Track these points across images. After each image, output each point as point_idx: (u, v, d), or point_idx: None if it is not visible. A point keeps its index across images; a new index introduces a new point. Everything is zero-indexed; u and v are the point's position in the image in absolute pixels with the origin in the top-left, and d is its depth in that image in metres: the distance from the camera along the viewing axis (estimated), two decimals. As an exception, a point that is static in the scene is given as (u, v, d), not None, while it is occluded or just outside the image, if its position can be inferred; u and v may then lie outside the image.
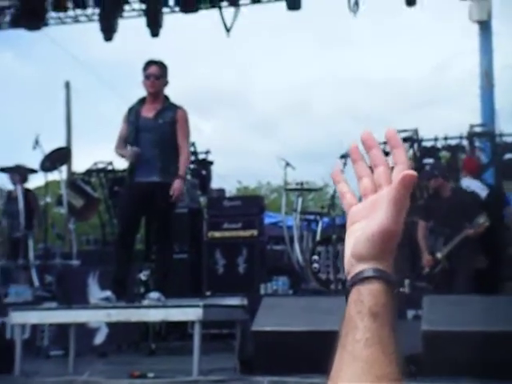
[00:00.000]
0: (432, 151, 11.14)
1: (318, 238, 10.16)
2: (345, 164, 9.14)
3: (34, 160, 10.70)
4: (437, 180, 8.25)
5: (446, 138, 11.15)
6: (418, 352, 6.16)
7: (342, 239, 8.60)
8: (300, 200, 10.59)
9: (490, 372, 5.58)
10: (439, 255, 8.08)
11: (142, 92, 7.52)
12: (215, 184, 12.72)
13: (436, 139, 11.17)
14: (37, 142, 10.37)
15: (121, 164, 13.03)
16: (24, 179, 10.55)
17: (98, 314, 7.37)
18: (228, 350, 8.36)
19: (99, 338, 8.56)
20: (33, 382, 6.33)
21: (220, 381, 6.21)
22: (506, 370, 5.49)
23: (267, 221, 13.02)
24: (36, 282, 9.73)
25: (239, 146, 50.99)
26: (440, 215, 8.08)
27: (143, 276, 9.13)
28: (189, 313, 6.96)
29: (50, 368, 7.35)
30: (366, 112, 46.80)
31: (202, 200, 11.47)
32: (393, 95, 49.63)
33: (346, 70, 51.94)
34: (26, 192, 10.61)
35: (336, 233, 8.56)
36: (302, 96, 53.38)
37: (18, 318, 7.15)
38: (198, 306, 6.98)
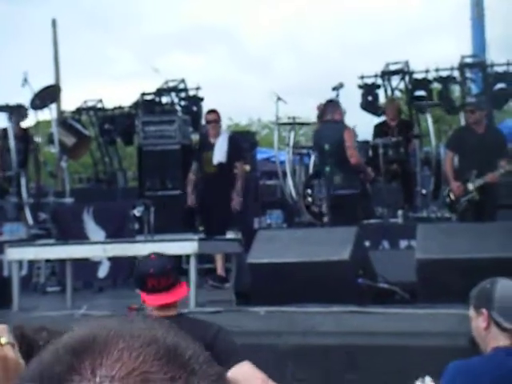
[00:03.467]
0: (423, 83, 11.09)
1: (310, 171, 10.18)
2: (337, 96, 9.10)
3: (23, 98, 10.61)
4: (481, 113, 8.27)
5: (437, 70, 11.09)
6: (412, 280, 6.26)
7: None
8: (292, 134, 10.56)
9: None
10: (471, 186, 8.11)
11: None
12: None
13: (427, 71, 11.11)
14: (25, 80, 10.27)
15: (110, 102, 12.97)
16: (21, 118, 10.43)
17: (94, 249, 7.43)
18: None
19: (102, 272, 8.63)
20: (31, 316, 6.39)
21: (217, 312, 6.30)
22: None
23: (259, 156, 13.02)
24: (30, 220, 9.75)
25: (230, 82, 50.62)
26: (471, 149, 8.10)
27: (137, 212, 9.15)
28: (184, 246, 7.02)
29: (48, 303, 7.43)
30: (357, 44, 46.43)
31: (194, 136, 11.43)
32: (383, 26, 49.14)
33: (335, 0, 51.28)
34: (24, 131, 10.52)
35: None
36: (292, 30, 52.83)
37: (14, 254, 7.20)
38: (193, 240, 7.04)
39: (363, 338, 5.55)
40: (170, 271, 3.45)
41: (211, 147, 8.99)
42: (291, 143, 10.45)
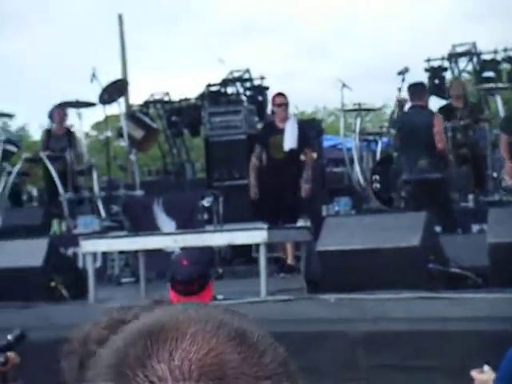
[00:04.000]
0: (492, 64, 10.88)
1: (377, 157, 10.11)
2: (403, 80, 9.01)
3: (92, 94, 10.82)
4: None
5: (505, 50, 10.86)
6: (485, 264, 6.17)
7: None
8: (358, 121, 10.51)
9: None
10: None
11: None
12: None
13: (495, 52, 10.89)
14: (94, 75, 10.47)
15: (177, 94, 13.12)
16: (64, 117, 10.62)
17: (165, 239, 7.55)
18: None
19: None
20: (107, 307, 6.54)
21: (288, 300, 6.34)
22: None
23: (325, 144, 12.98)
24: (103, 213, 9.96)
25: (294, 71, 50.47)
26: None
27: (206, 203, 9.26)
28: (254, 235, 7.08)
29: (123, 294, 7.60)
30: (424, 26, 45.67)
31: (259, 126, 11.47)
32: (450, 7, 48.26)
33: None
34: (68, 131, 10.71)
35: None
36: (357, 14, 52.30)
37: (88, 246, 7.38)
38: (262, 229, 7.09)
39: (434, 324, 5.51)
40: (196, 280, 3.67)
41: (279, 132, 8.81)
42: (357, 129, 10.40)
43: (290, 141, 8.73)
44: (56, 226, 9.91)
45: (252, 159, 9.06)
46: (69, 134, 10.51)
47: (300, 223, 8.72)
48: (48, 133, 10.62)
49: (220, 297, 6.70)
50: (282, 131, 8.81)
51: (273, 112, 9.29)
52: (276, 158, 8.85)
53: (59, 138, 10.37)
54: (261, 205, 9.39)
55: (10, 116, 12.00)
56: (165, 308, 0.85)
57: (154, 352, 0.75)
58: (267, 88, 12.42)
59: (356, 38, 50.81)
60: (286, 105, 9.00)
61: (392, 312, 5.72)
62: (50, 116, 10.61)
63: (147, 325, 0.79)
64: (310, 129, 10.47)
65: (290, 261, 8.52)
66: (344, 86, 10.44)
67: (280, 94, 9.17)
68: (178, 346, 0.75)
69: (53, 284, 7.06)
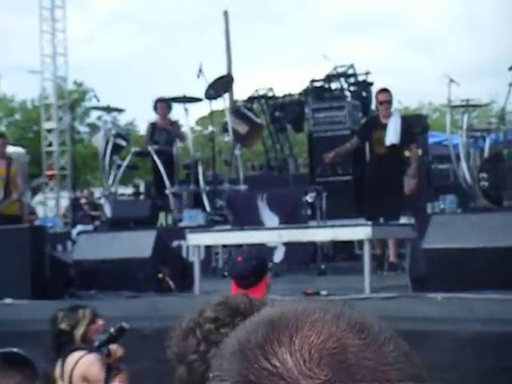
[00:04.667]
0: None
1: (485, 154, 9.85)
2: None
3: (197, 89, 11.00)
4: None
5: None
6: None
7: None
8: (466, 117, 10.26)
9: None
10: None
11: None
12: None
13: None
14: (200, 71, 10.63)
15: (281, 90, 13.17)
16: (168, 110, 10.85)
17: (269, 234, 7.60)
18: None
19: (277, 257, 8.81)
20: (213, 299, 6.64)
21: (393, 297, 6.28)
22: None
23: (431, 140, 12.76)
24: (207, 207, 10.11)
25: (399, 66, 49.80)
26: None
27: (309, 198, 9.26)
28: (358, 232, 7.03)
29: (227, 287, 7.68)
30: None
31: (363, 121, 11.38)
32: None
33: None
34: (172, 122, 10.93)
35: (507, 148, 8.25)
36: (464, 8, 51.11)
37: (194, 239, 7.51)
38: (366, 225, 7.04)
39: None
40: (247, 276, 4.06)
41: (382, 127, 8.78)
42: (465, 126, 10.16)
43: (392, 136, 8.68)
44: (162, 219, 10.14)
45: (347, 144, 9.36)
46: (173, 127, 10.72)
47: (403, 220, 8.62)
48: (153, 126, 10.86)
49: (323, 292, 6.71)
50: (384, 126, 8.77)
51: (377, 108, 9.24)
52: (378, 153, 8.83)
53: (163, 130, 10.59)
54: (363, 201, 9.34)
55: (120, 111, 12.33)
56: (286, 302, 0.88)
57: (275, 337, 0.78)
58: (372, 83, 12.30)
59: (465, 32, 49.63)
60: (389, 102, 8.95)
61: (500, 313, 5.58)
62: (155, 109, 10.85)
63: (268, 314, 0.83)
64: (415, 125, 10.31)
65: (392, 258, 8.44)
66: (451, 81, 10.21)
67: (383, 91, 9.09)
68: (298, 331, 0.78)
69: (160, 275, 7.22)
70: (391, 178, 8.66)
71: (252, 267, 4.11)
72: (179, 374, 1.54)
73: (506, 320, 5.52)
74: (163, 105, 10.70)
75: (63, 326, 4.12)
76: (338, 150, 9.33)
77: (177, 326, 1.60)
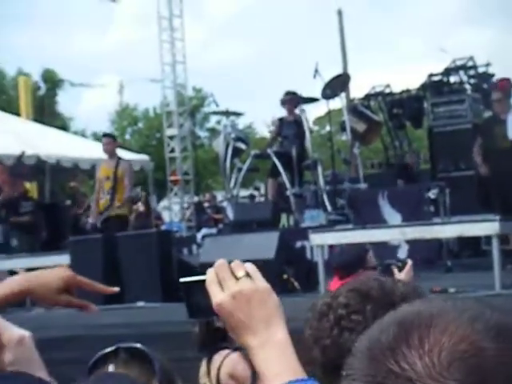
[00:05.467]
0: None
1: None
2: None
3: (314, 89, 11.01)
4: None
5: None
6: None
7: None
8: None
9: None
10: None
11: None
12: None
13: None
14: (316, 71, 10.65)
15: (398, 86, 13.00)
16: (296, 104, 10.83)
17: (392, 232, 7.53)
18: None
19: (401, 254, 8.73)
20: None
21: (525, 294, 6.09)
22: None
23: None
24: (328, 206, 10.11)
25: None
26: None
27: (432, 194, 9.11)
28: (485, 227, 6.87)
29: (351, 286, 7.66)
30: None
31: (486, 114, 11.09)
32: None
33: None
34: (298, 116, 10.89)
35: None
36: None
37: (317, 239, 7.53)
38: (494, 220, 6.86)
39: None
40: (345, 266, 4.29)
41: (502, 122, 8.79)
42: None
43: None
44: (284, 220, 10.21)
45: (474, 150, 9.19)
46: (298, 120, 10.74)
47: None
48: (281, 121, 10.92)
49: (451, 290, 6.58)
50: (504, 122, 8.79)
51: (493, 107, 9.26)
52: (502, 147, 8.78)
53: (291, 123, 10.64)
54: (489, 195, 9.13)
55: (238, 114, 12.51)
56: (426, 299, 0.87)
57: (405, 339, 0.77)
58: (493, 75, 11.96)
59: None
60: (500, 100, 8.97)
61: None
62: (283, 103, 10.89)
63: (403, 313, 0.82)
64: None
65: None
66: None
67: (500, 83, 9.07)
68: (429, 333, 0.77)
69: (285, 276, 7.28)
70: None
71: (346, 259, 4.42)
72: (314, 356, 1.56)
73: None
74: (291, 98, 10.73)
75: (220, 324, 4.20)
76: (479, 162, 9.22)
77: (312, 307, 1.62)
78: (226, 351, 3.94)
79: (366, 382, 0.78)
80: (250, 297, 1.25)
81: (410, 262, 4.02)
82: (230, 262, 1.33)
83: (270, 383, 1.19)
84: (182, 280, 1.34)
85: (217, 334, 3.81)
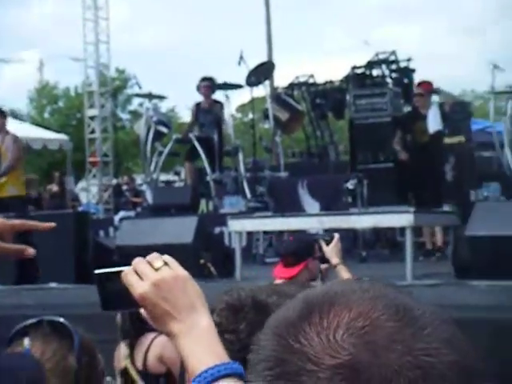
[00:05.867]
0: None
1: (530, 141, 9.72)
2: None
3: (238, 76, 11.01)
4: None
5: None
6: None
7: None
8: (510, 104, 10.12)
9: None
10: None
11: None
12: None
13: None
14: (241, 58, 10.64)
15: (322, 77, 13.11)
16: (212, 91, 10.75)
17: (310, 221, 7.59)
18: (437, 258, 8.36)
19: (320, 244, 8.82)
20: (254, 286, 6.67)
21: (436, 285, 6.24)
22: None
23: (474, 127, 12.60)
24: (248, 194, 10.14)
25: (441, 53, 49.27)
26: None
27: (350, 185, 9.23)
28: (400, 219, 6.99)
29: (268, 273, 7.70)
30: None
31: (405, 108, 11.29)
32: None
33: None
34: (216, 102, 10.83)
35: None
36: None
37: (235, 225, 7.53)
38: (408, 212, 7.00)
39: None
40: (288, 255, 4.31)
41: (423, 117, 9.04)
42: (509, 112, 10.03)
43: (433, 124, 8.92)
44: (203, 205, 10.19)
45: (394, 141, 9.49)
46: (217, 107, 10.66)
47: (446, 208, 8.59)
48: (197, 106, 10.84)
49: (365, 279, 6.69)
50: (424, 117, 9.04)
51: (414, 101, 9.51)
52: (421, 141, 9.03)
53: (208, 111, 10.59)
54: (406, 188, 9.34)
55: (161, 98, 12.40)
56: (335, 281, 0.88)
57: (307, 316, 0.79)
58: (414, 70, 12.19)
59: (509, 19, 48.84)
60: (422, 95, 9.25)
61: (546, 301, 5.51)
62: (198, 89, 10.81)
63: (310, 292, 0.83)
64: (459, 111, 10.22)
65: (439, 243, 8.52)
66: (496, 67, 10.09)
67: (422, 83, 9.31)
68: (330, 310, 0.78)
69: (202, 261, 7.26)
70: (433, 165, 8.74)
71: (294, 247, 4.40)
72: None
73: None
74: (207, 84, 10.66)
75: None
76: (398, 148, 9.52)
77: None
78: (154, 334, 3.87)
79: (270, 357, 0.80)
80: (171, 284, 1.25)
81: (337, 235, 4.12)
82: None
83: (195, 369, 1.20)
84: (96, 271, 1.32)
85: (142, 321, 3.75)
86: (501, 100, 11.34)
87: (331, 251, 4.09)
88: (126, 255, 7.43)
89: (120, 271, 1.28)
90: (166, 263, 1.27)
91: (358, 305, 0.78)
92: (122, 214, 12.98)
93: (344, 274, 4.03)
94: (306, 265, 4.30)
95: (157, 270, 1.26)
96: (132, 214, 12.78)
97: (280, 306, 0.88)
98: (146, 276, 1.25)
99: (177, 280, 1.25)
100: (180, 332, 1.24)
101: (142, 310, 1.30)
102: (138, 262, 1.28)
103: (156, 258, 1.28)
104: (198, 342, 1.23)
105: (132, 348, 3.90)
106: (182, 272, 1.28)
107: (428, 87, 9.33)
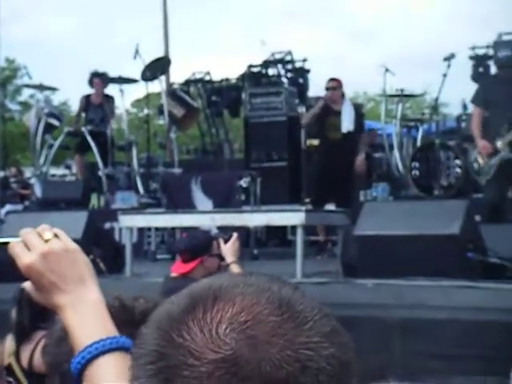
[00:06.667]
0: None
1: (418, 144, 10.02)
2: (448, 66, 8.90)
3: (134, 71, 10.86)
4: None
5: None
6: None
7: (444, 145, 8.45)
8: (400, 106, 10.42)
9: None
10: (500, 143, 7.12)
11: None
12: (312, 93, 12.64)
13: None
14: (137, 52, 10.50)
15: (218, 74, 13.10)
16: (104, 85, 10.58)
17: (203, 218, 7.58)
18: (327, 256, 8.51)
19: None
20: (143, 282, 6.60)
21: (324, 283, 6.33)
22: None
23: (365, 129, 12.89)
24: (141, 189, 10.02)
25: (334, 54, 50.21)
26: (502, 100, 7.15)
27: (244, 183, 9.26)
28: (291, 217, 7.08)
29: (159, 270, 7.64)
30: (468, 13, 45.10)
31: (300, 108, 11.43)
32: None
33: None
34: (107, 97, 10.67)
35: (439, 138, 8.39)
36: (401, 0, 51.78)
37: (126, 221, 7.43)
38: (300, 211, 7.08)
39: (472, 313, 5.47)
40: (184, 250, 4.49)
41: (336, 113, 8.92)
42: (399, 115, 10.32)
43: (348, 123, 8.86)
44: (94, 200, 10.00)
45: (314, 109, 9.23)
46: (108, 103, 10.47)
47: (331, 207, 8.68)
48: (86, 99, 10.60)
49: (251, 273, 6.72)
50: (338, 113, 8.92)
51: (326, 95, 9.24)
52: (332, 138, 8.95)
53: (98, 107, 10.39)
54: (299, 187, 9.41)
55: (53, 89, 12.09)
56: (221, 275, 0.87)
57: (191, 311, 0.79)
58: (308, 71, 12.36)
59: (401, 22, 50.30)
60: (340, 87, 9.15)
61: (429, 299, 5.69)
62: (90, 83, 10.58)
63: (196, 286, 0.83)
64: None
65: (322, 239, 8.65)
66: (387, 70, 10.35)
67: (333, 79, 9.30)
68: (214, 304, 0.79)
69: (91, 257, 7.11)
70: (345, 163, 8.77)
71: (188, 244, 4.50)
72: None
73: (434, 306, 5.63)
74: (99, 79, 10.46)
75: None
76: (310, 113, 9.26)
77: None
78: (43, 332, 3.73)
79: (152, 352, 0.79)
80: (60, 256, 1.23)
81: (235, 234, 4.19)
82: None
83: (81, 342, 1.18)
84: None
85: (37, 315, 3.62)
86: (392, 103, 11.64)
87: (227, 249, 4.15)
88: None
89: (7, 242, 1.24)
90: (56, 235, 1.25)
91: (242, 299, 0.78)
92: (8, 207, 12.57)
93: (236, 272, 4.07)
94: (201, 261, 4.39)
95: (46, 241, 1.23)
96: (19, 207, 12.41)
97: (147, 314, 0.87)
98: (34, 247, 1.22)
99: (66, 252, 1.23)
100: (67, 304, 1.21)
101: (28, 284, 1.27)
102: (26, 232, 1.24)
103: (45, 230, 1.25)
104: (86, 315, 1.20)
105: (19, 344, 3.76)
106: (71, 245, 1.26)
107: (339, 82, 9.28)
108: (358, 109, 9.55)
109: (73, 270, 1.23)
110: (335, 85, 9.12)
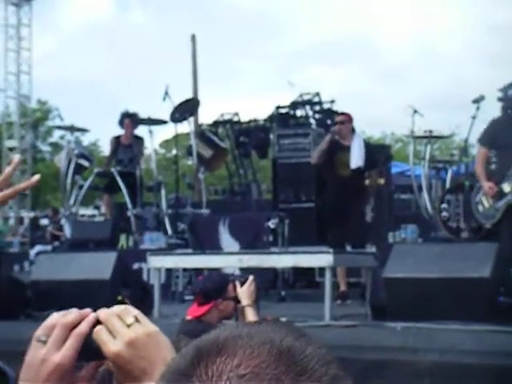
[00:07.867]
0: None
1: (447, 185, 9.96)
2: (477, 108, 8.87)
3: (164, 111, 10.97)
4: None
5: None
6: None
7: (474, 186, 8.38)
8: (428, 148, 10.38)
9: None
10: (507, 187, 7.10)
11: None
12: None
13: None
14: (166, 93, 10.62)
15: (246, 115, 13.20)
16: (135, 126, 10.67)
17: (230, 259, 7.57)
18: (354, 299, 8.40)
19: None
20: (172, 323, 6.58)
21: (353, 326, 6.27)
22: None
23: (393, 170, 12.88)
24: (169, 230, 10.05)
25: (364, 95, 50.39)
26: (508, 142, 7.06)
27: (272, 224, 9.26)
28: (319, 259, 7.04)
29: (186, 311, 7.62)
30: (498, 53, 45.09)
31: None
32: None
33: (472, 11, 50.14)
34: (136, 138, 10.74)
35: (468, 180, 8.34)
36: (430, 41, 51.99)
37: (155, 262, 7.44)
38: (328, 253, 7.05)
39: (503, 358, 5.37)
40: (198, 293, 4.49)
41: (345, 149, 8.62)
42: (427, 156, 10.28)
43: (357, 159, 8.56)
44: (123, 241, 10.04)
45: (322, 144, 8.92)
46: (137, 143, 10.56)
47: (365, 249, 8.64)
48: (117, 140, 10.70)
49: (283, 319, 6.67)
50: (347, 148, 8.63)
51: (333, 129, 9.02)
52: (342, 175, 8.65)
53: (128, 148, 10.48)
54: (326, 226, 9.26)
55: (83, 131, 12.25)
56: (227, 325, 0.88)
57: (197, 365, 0.80)
58: (336, 112, 12.40)
59: (430, 64, 50.42)
60: (349, 121, 8.86)
61: (460, 344, 5.60)
62: (121, 124, 10.68)
63: (203, 338, 0.84)
64: (379, 154, 10.38)
65: (343, 287, 8.29)
66: (415, 112, 10.34)
67: (342, 113, 9.15)
68: (217, 357, 0.79)
69: (119, 297, 7.13)
70: (354, 201, 8.54)
71: (202, 287, 4.49)
72: None
73: (464, 351, 5.54)
74: (129, 120, 10.57)
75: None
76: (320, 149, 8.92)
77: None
78: None
79: None
80: (145, 342, 1.21)
81: (251, 277, 4.17)
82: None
83: None
84: None
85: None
86: (420, 144, 11.62)
87: (243, 292, 4.14)
88: (41, 290, 7.26)
89: (94, 325, 1.24)
90: (137, 319, 1.23)
91: (243, 352, 0.79)
92: (38, 248, 12.69)
93: (250, 316, 4.08)
94: (215, 304, 4.37)
95: (128, 326, 1.22)
96: (49, 248, 12.51)
97: None
98: (118, 334, 1.20)
99: (149, 336, 1.21)
100: None
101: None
102: (108, 316, 1.22)
103: (126, 313, 1.24)
104: None
105: None
106: (152, 327, 1.24)
107: (348, 116, 9.07)
108: (370, 146, 9.17)
109: (158, 353, 1.21)
110: (344, 119, 8.85)
